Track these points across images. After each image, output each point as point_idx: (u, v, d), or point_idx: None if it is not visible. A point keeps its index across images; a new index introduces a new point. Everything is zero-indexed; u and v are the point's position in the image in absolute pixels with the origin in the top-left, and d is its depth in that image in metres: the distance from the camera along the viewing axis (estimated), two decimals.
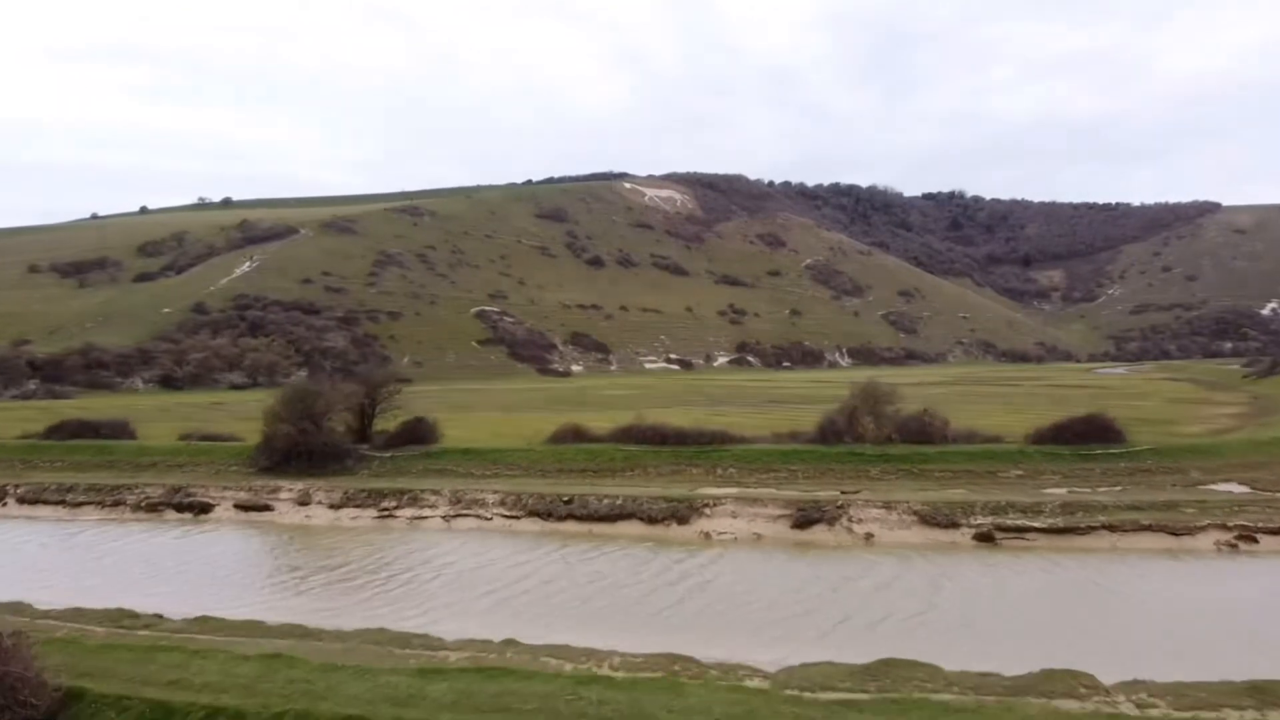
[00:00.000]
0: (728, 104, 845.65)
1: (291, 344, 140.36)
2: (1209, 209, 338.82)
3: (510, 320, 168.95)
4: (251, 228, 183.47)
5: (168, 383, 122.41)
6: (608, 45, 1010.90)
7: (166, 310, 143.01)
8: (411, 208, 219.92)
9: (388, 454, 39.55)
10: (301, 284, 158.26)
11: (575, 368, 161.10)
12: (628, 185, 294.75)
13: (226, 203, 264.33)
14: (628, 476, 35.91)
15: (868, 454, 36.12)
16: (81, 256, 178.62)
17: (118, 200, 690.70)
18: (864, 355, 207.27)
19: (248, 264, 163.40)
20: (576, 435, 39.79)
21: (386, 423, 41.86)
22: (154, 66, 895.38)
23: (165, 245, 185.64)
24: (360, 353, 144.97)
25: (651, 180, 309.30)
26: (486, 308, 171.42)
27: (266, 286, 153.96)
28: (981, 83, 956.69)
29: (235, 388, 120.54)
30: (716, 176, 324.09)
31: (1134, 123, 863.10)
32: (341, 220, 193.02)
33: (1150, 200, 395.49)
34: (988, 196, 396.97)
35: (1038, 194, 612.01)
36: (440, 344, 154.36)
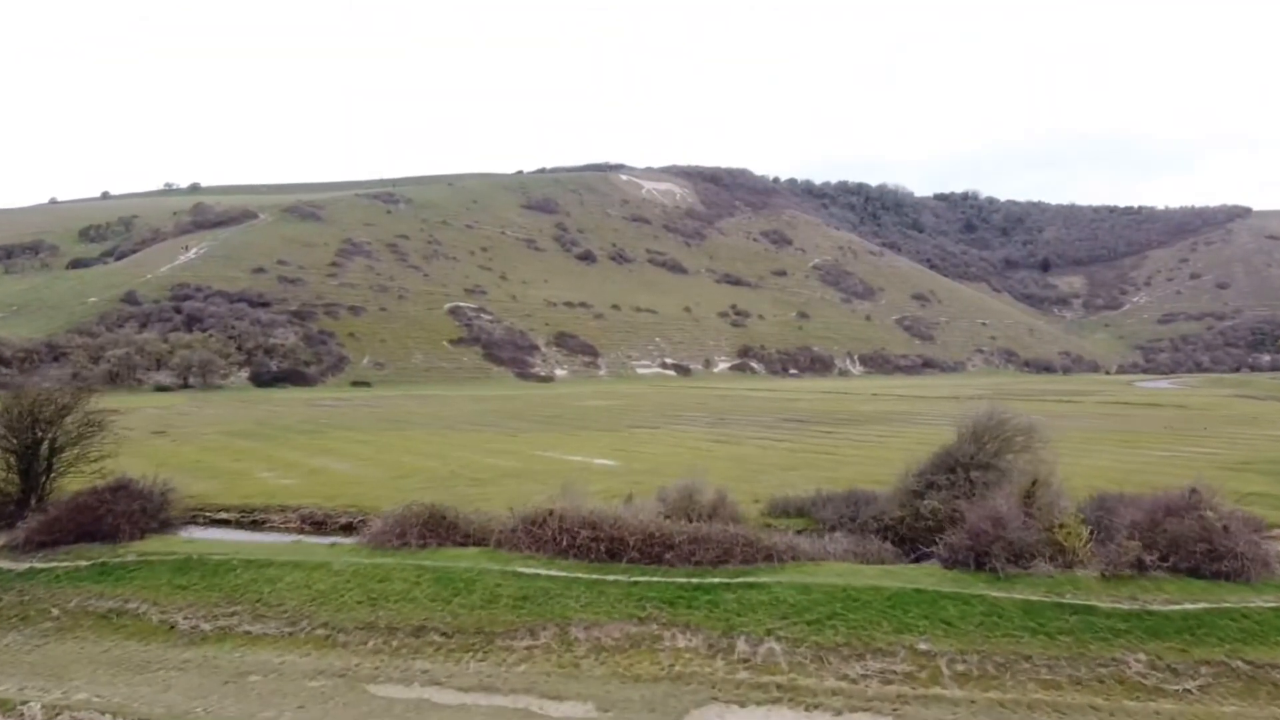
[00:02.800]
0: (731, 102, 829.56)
1: (233, 340, 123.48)
2: (1239, 214, 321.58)
3: (488, 318, 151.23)
4: (205, 212, 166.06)
5: (78, 382, 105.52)
6: (607, 40, 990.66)
7: (92, 299, 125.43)
8: (386, 194, 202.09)
9: (27, 564, 19.17)
10: (253, 273, 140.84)
11: (559, 371, 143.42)
12: (624, 177, 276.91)
13: (194, 188, 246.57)
14: (520, 653, 15.46)
15: (1102, 611, 15.45)
16: (16, 240, 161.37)
17: (84, 188, 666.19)
18: (877, 363, 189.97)
19: (192, 250, 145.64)
20: (431, 529, 18.60)
21: (84, 479, 22.18)
22: (135, 52, 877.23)
23: (111, 230, 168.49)
24: (313, 351, 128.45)
25: (650, 172, 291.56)
26: (462, 304, 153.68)
27: (212, 275, 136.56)
28: (992, 86, 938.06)
29: (162, 389, 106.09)
30: (719, 170, 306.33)
31: (1156, 128, 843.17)
32: (306, 205, 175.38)
33: (1175, 204, 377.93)
34: (1003, 198, 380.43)
35: (1055, 196, 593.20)
36: (407, 343, 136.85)
